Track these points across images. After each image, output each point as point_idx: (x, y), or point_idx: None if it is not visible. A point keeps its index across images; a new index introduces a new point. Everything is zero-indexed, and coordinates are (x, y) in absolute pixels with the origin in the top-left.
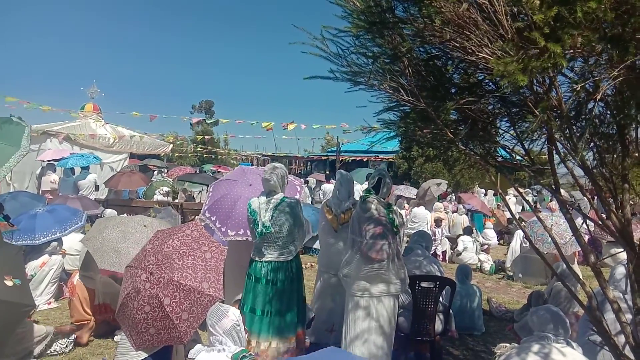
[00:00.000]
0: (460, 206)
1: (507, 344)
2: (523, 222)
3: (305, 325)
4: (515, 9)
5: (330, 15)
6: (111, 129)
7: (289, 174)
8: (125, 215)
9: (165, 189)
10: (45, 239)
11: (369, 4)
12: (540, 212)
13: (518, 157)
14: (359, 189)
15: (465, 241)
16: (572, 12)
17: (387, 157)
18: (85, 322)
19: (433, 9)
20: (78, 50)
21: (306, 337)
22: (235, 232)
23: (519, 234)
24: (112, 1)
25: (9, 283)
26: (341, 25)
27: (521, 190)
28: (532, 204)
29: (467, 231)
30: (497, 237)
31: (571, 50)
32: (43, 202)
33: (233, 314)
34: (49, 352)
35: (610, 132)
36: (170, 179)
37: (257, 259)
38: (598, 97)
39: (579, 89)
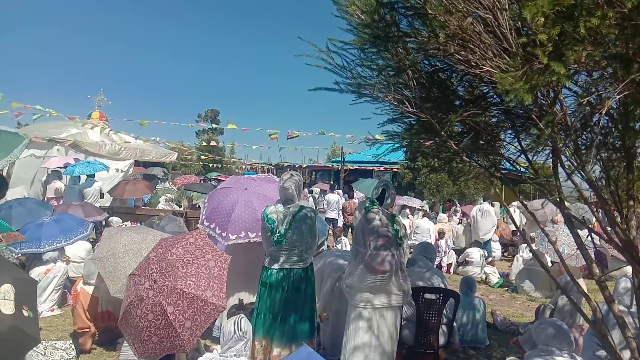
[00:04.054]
0: (464, 219)
1: (515, 358)
2: (531, 234)
3: (316, 333)
4: (519, 23)
5: (335, 27)
6: (117, 137)
7: None
8: (128, 223)
9: (169, 195)
10: (50, 247)
11: (374, 17)
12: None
13: (522, 170)
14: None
15: (471, 254)
16: (576, 27)
17: (391, 168)
18: (88, 329)
19: (437, 23)
20: (85, 58)
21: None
22: (236, 236)
23: (524, 246)
24: (116, 6)
25: (25, 313)
26: (346, 38)
27: (526, 202)
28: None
29: (477, 244)
30: (502, 249)
31: (575, 65)
32: (50, 209)
33: (250, 324)
34: None
35: (615, 145)
36: (175, 187)
37: (272, 266)
38: (604, 112)
39: (584, 102)
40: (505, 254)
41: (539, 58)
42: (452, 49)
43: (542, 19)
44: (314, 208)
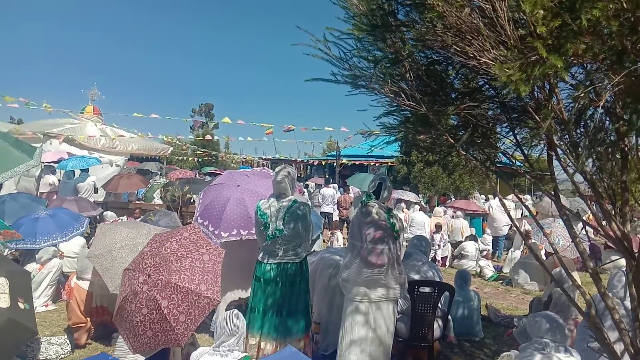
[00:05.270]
0: (459, 212)
1: (511, 353)
2: (527, 227)
3: (310, 329)
4: (518, 15)
5: (331, 20)
6: (111, 131)
7: None
8: (124, 218)
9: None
10: (45, 243)
11: (372, 6)
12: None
13: (518, 163)
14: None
15: (466, 247)
16: (576, 19)
17: (386, 162)
18: (82, 324)
19: (435, 13)
20: (79, 52)
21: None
22: (228, 233)
23: (518, 239)
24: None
25: (21, 305)
26: (343, 28)
27: (520, 195)
28: (531, 210)
29: (472, 237)
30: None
31: (572, 58)
32: (43, 204)
33: (244, 319)
34: (46, 356)
35: (610, 139)
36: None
37: (266, 261)
38: (601, 105)
39: (581, 95)
40: None
41: (537, 50)
42: (449, 40)
43: (542, 12)
44: (309, 202)
